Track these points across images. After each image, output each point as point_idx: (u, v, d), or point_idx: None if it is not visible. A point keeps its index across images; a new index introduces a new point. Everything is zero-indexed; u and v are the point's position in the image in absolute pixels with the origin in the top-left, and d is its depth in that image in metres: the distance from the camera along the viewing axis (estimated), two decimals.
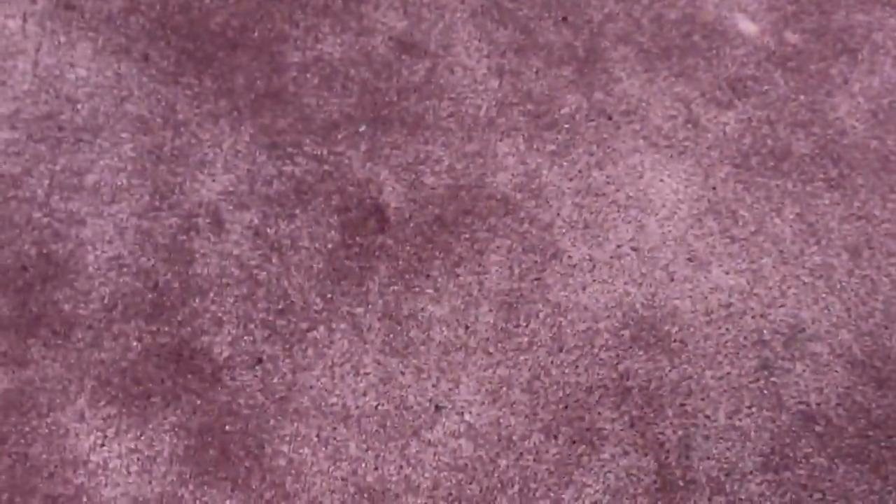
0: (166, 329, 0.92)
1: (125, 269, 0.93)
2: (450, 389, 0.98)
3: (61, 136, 0.98)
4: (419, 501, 0.91)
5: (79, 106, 0.99)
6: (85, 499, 0.83)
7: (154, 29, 1.06)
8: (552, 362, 1.02)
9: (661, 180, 1.16)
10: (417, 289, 1.02)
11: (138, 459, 0.86)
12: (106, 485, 0.84)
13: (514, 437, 0.97)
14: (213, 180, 1.00)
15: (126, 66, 1.03)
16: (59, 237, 0.93)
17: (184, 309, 0.93)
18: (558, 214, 1.11)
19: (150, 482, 0.85)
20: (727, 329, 1.08)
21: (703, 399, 1.03)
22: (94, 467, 0.84)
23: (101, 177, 0.97)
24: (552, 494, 0.94)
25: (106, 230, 0.94)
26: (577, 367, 1.02)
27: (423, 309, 1.01)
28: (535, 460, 0.96)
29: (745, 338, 1.08)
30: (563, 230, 1.10)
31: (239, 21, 1.10)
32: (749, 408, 1.04)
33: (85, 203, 0.95)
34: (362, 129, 1.09)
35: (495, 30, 1.21)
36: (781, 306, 1.11)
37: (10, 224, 0.92)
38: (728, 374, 1.05)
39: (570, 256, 1.08)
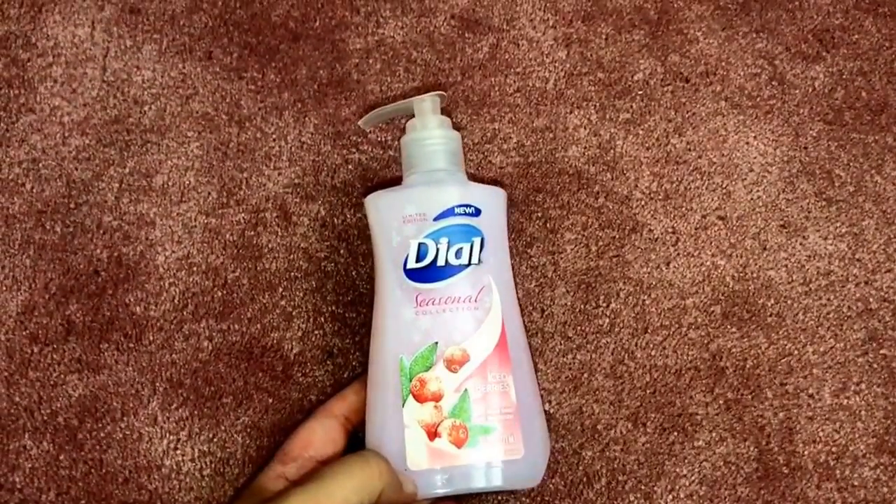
0: (236, 327, 0.78)
1: (194, 269, 0.80)
2: None
3: (129, 138, 0.85)
4: (499, 497, 0.75)
5: (146, 108, 0.86)
6: None
7: (217, 26, 0.92)
8: (636, 344, 0.82)
9: (747, 143, 0.94)
10: None
11: (211, 462, 0.73)
12: (180, 489, 0.72)
13: (599, 427, 0.78)
14: (279, 174, 0.86)
15: (190, 64, 0.89)
16: (130, 240, 0.81)
17: (253, 305, 0.79)
18: (636, 186, 0.90)
19: (223, 485, 0.73)
20: (829, 299, 0.86)
21: (805, 377, 0.82)
22: (167, 471, 0.72)
23: (169, 177, 0.84)
24: (643, 487, 0.76)
25: (175, 230, 0.81)
26: (664, 348, 0.82)
27: None
28: (622, 451, 0.77)
29: (850, 308, 0.85)
30: (643, 202, 0.89)
31: (300, 11, 0.94)
32: (857, 384, 0.82)
33: (154, 204, 0.83)
34: None
35: None
36: (888, 271, 0.87)
37: (82, 230, 0.80)
38: (832, 348, 0.83)
39: (650, 230, 0.88)
